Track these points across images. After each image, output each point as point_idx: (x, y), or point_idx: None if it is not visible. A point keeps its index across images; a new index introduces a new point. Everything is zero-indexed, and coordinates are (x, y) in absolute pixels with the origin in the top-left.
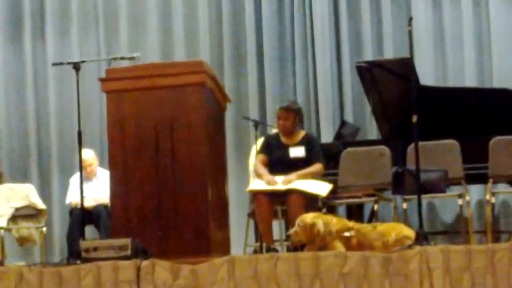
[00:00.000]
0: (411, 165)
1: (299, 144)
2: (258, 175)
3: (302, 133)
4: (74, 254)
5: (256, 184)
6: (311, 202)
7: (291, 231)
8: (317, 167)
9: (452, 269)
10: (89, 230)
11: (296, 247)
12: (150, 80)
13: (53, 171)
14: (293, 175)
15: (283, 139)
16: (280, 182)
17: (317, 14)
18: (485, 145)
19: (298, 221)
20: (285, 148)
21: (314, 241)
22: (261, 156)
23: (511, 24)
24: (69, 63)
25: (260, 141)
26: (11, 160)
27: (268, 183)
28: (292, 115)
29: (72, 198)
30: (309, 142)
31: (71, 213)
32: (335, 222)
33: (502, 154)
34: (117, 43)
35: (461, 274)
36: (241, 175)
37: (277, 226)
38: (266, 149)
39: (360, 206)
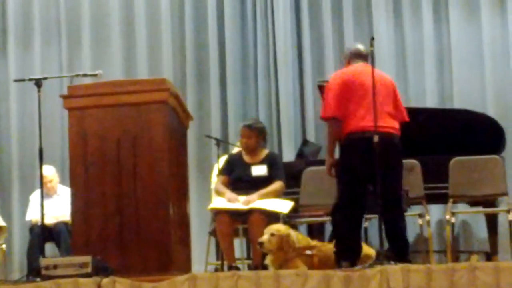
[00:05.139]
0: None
1: (261, 162)
2: (219, 193)
3: (265, 152)
4: (34, 271)
5: (218, 202)
6: (272, 220)
7: (264, 238)
8: (277, 185)
9: None
10: (49, 247)
11: (257, 266)
12: (112, 98)
13: (14, 188)
14: (254, 196)
15: (245, 158)
16: (241, 202)
17: (280, 33)
18: (446, 165)
19: (270, 230)
20: (248, 166)
21: (285, 252)
22: (222, 178)
23: (471, 44)
24: (31, 79)
25: (223, 160)
26: None
27: (230, 200)
28: (255, 133)
29: (32, 215)
30: (271, 161)
31: (31, 230)
32: (301, 238)
33: (462, 174)
34: (79, 58)
35: None
36: (202, 193)
37: (238, 245)
38: (227, 170)
39: (321, 225)
